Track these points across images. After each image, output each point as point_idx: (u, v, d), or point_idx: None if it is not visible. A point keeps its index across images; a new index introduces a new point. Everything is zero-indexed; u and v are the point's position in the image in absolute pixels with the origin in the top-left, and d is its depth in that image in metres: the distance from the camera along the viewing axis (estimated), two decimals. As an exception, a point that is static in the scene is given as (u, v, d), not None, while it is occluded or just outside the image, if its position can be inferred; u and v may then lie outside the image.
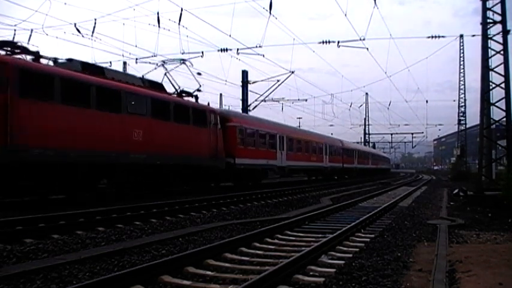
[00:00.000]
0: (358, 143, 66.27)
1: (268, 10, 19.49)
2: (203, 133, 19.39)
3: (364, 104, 67.17)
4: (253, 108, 33.81)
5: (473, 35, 21.42)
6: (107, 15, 34.23)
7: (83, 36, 21.09)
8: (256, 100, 33.87)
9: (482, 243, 8.05)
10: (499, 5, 16.26)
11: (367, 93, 68.26)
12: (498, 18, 16.31)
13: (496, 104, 16.56)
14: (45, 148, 12.12)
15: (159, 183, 17.31)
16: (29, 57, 13.10)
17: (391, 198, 18.29)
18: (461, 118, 45.38)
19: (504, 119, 16.35)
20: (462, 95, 44.08)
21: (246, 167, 23.03)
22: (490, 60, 16.46)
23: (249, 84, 33.88)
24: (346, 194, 21.10)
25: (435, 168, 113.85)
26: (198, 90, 21.30)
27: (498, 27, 16.37)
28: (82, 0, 31.07)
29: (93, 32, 20.64)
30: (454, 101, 45.19)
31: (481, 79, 16.49)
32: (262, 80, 32.89)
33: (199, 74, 29.76)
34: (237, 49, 24.87)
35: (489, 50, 16.41)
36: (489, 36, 16.45)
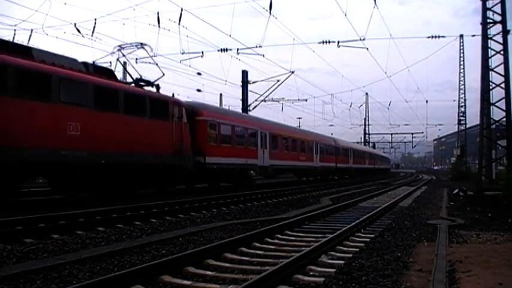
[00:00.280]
0: (358, 143, 66.17)
1: (268, 10, 19.53)
2: (164, 127, 16.79)
3: (364, 104, 67.27)
4: (253, 108, 33.87)
5: (473, 35, 21.49)
6: (107, 15, 34.38)
7: (83, 36, 21.13)
8: (256, 100, 33.92)
9: (482, 243, 8.05)
10: (499, 5, 16.27)
11: (367, 93, 68.38)
12: (498, 18, 16.33)
13: (496, 104, 16.57)
14: None
15: (107, 185, 14.69)
16: None
17: (391, 198, 18.29)
18: (461, 118, 45.44)
19: (504, 119, 16.35)
20: (462, 95, 44.17)
21: (220, 167, 20.63)
22: (490, 60, 16.47)
23: (249, 84, 33.90)
24: (346, 194, 21.10)
25: (435, 168, 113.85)
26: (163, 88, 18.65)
27: (498, 27, 16.38)
28: (82, 0, 31.09)
29: (93, 32, 20.66)
30: (454, 101, 45.29)
31: (481, 79, 16.49)
32: (262, 80, 32.97)
33: (199, 74, 29.89)
34: (237, 49, 24.94)
35: (489, 50, 16.42)
36: (489, 36, 16.45)
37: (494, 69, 16.43)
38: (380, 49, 28.22)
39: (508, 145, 16.18)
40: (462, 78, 43.28)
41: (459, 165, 46.40)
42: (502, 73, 16.17)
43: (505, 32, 16.25)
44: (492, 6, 16.39)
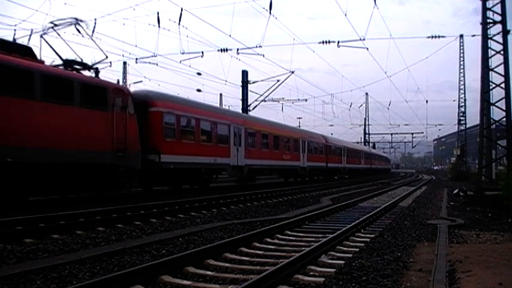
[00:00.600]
0: (358, 142, 66.09)
1: (268, 10, 19.53)
2: (101, 119, 13.91)
3: (364, 104, 67.24)
4: (253, 108, 33.84)
5: (473, 35, 21.55)
6: (107, 15, 34.39)
7: (82, 36, 21.09)
8: (256, 100, 33.90)
9: (482, 243, 8.05)
10: (499, 5, 16.26)
11: (367, 93, 68.38)
12: (498, 18, 16.32)
13: (496, 104, 16.57)
14: None
15: (19, 189, 12.16)
16: None
17: (391, 198, 18.29)
18: (461, 118, 45.40)
19: (504, 119, 16.35)
20: (462, 95, 44.14)
21: (179, 167, 17.81)
22: (490, 60, 16.46)
23: (249, 84, 33.89)
24: (346, 194, 21.10)
25: (435, 168, 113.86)
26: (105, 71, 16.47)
27: (498, 27, 16.37)
28: (82, 0, 31.10)
29: (93, 32, 20.61)
30: (454, 101, 45.27)
31: (481, 79, 16.49)
32: (262, 80, 32.96)
33: (199, 74, 29.87)
34: (237, 49, 24.95)
35: (489, 50, 16.41)
36: (489, 36, 16.45)
37: (494, 69, 16.42)
38: (380, 49, 28.31)
39: (508, 145, 16.18)
40: (462, 78, 43.33)
41: (459, 165, 46.40)
42: (502, 73, 16.17)
43: (505, 32, 16.24)
44: (492, 6, 16.39)
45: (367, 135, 71.38)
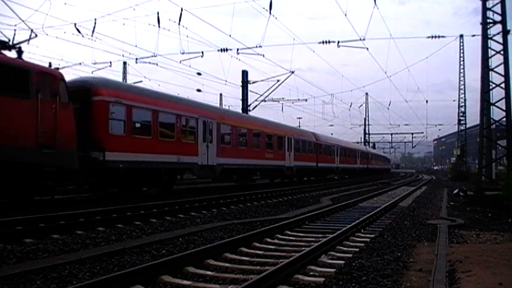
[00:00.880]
0: (358, 142, 66.06)
1: (268, 10, 19.52)
2: (21, 108, 11.54)
3: (364, 104, 67.27)
4: (253, 108, 33.84)
5: (473, 35, 21.53)
6: (107, 15, 34.41)
7: (83, 36, 21.12)
8: (256, 100, 33.90)
9: (482, 243, 8.05)
10: (499, 5, 16.26)
11: (367, 93, 68.44)
12: (498, 18, 16.33)
13: (496, 104, 16.57)
14: None
15: None
16: None
17: (391, 198, 18.29)
18: (461, 118, 45.42)
19: (504, 119, 16.36)
20: (462, 95, 44.17)
21: (130, 166, 15.10)
22: (490, 60, 16.47)
23: (249, 84, 33.89)
24: (346, 194, 21.10)
25: (435, 168, 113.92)
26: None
27: (498, 27, 16.38)
28: (82, 0, 31.10)
29: (93, 32, 20.63)
30: (454, 101, 45.32)
31: (481, 79, 16.49)
32: (262, 80, 32.96)
33: (199, 74, 29.87)
34: (237, 49, 24.93)
35: (489, 50, 16.42)
36: (489, 36, 16.46)
37: (494, 69, 16.43)
38: (380, 49, 28.31)
39: (508, 145, 16.18)
40: (462, 78, 43.36)
41: (459, 165, 46.42)
42: (502, 73, 16.17)
43: (505, 32, 16.25)
44: (492, 6, 16.40)
45: (367, 135, 71.47)
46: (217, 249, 6.73)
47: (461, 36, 39.17)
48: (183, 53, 23.74)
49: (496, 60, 16.38)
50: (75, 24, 20.85)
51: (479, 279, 5.21)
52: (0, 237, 7.47)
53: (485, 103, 16.61)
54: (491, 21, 16.44)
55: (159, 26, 20.25)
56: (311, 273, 5.71)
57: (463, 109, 44.58)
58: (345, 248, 7.51)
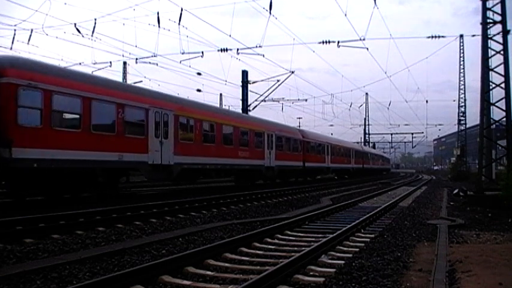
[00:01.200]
0: (358, 143, 66.01)
1: (268, 10, 19.53)
2: None
3: (364, 104, 67.26)
4: (253, 108, 33.84)
5: (473, 35, 21.51)
6: (107, 15, 34.44)
7: (83, 36, 21.15)
8: (256, 100, 33.90)
9: (482, 243, 8.05)
10: (499, 5, 16.27)
11: (367, 93, 68.44)
12: (498, 18, 16.33)
13: (496, 104, 16.57)
14: None
15: None
16: None
17: (391, 198, 18.29)
18: (461, 118, 45.44)
19: (504, 119, 16.36)
20: (462, 95, 44.19)
21: (51, 166, 12.50)
22: (490, 60, 16.47)
23: (249, 84, 33.89)
24: (346, 194, 21.10)
25: (435, 168, 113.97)
26: None
27: (498, 27, 16.38)
28: (82, 0, 31.11)
29: (93, 32, 20.63)
30: (454, 101, 45.32)
31: (481, 79, 16.49)
32: (262, 80, 32.97)
33: (199, 74, 29.87)
34: (237, 49, 24.93)
35: (489, 50, 16.42)
36: (489, 36, 16.46)
37: (494, 69, 16.43)
38: (380, 49, 28.30)
39: (508, 145, 16.18)
40: (462, 78, 43.37)
41: (459, 165, 46.43)
42: (502, 73, 16.17)
43: (505, 32, 16.25)
44: (492, 6, 16.40)
45: (367, 135, 71.49)
46: (217, 249, 6.74)
47: (461, 36, 39.19)
48: (183, 53, 23.76)
49: (496, 60, 16.40)
50: (75, 24, 20.89)
51: (479, 279, 5.21)
52: (0, 237, 7.48)
53: (485, 103, 16.61)
54: (491, 21, 16.45)
55: (159, 26, 20.27)
56: (311, 273, 5.71)
57: (463, 109, 44.64)
58: (345, 248, 7.51)
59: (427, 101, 49.08)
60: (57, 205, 12.39)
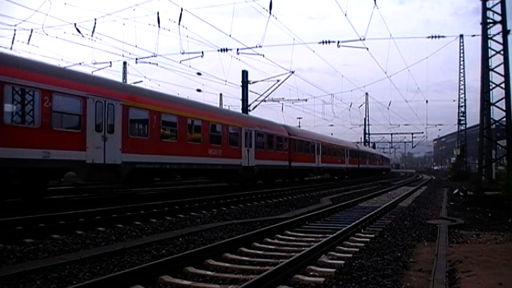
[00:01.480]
0: (358, 142, 65.97)
1: (268, 10, 19.53)
2: None
3: (364, 104, 67.26)
4: (253, 108, 33.84)
5: (473, 35, 21.52)
6: (107, 15, 34.49)
7: (83, 36, 21.16)
8: (256, 100, 33.90)
9: (482, 243, 8.05)
10: (499, 5, 16.27)
11: (367, 93, 68.46)
12: (498, 18, 16.33)
13: (496, 104, 16.57)
14: None
15: None
16: None
17: (391, 198, 18.29)
18: (461, 118, 45.44)
19: (504, 119, 16.36)
20: (462, 95, 44.19)
21: None
22: (490, 60, 16.47)
23: (249, 84, 33.89)
24: (346, 194, 21.10)
25: (435, 168, 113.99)
26: None
27: (498, 27, 16.38)
28: (82, 0, 31.10)
29: (93, 32, 20.63)
30: (454, 101, 45.32)
31: (481, 79, 16.49)
32: (262, 80, 32.96)
33: (199, 74, 29.87)
34: (237, 49, 24.93)
35: (489, 50, 16.42)
36: (489, 36, 16.46)
37: (494, 69, 16.43)
38: (380, 49, 28.31)
39: (508, 145, 16.18)
40: (462, 78, 43.38)
41: (459, 165, 46.44)
42: (502, 73, 16.18)
43: (505, 32, 16.25)
44: (492, 6, 16.40)
45: (367, 135, 71.49)
46: (217, 249, 6.74)
47: (461, 36, 39.22)
48: (183, 53, 23.76)
49: (496, 60, 16.40)
50: (75, 24, 20.90)
51: (479, 279, 5.21)
52: (0, 237, 7.48)
53: (485, 103, 16.61)
54: (491, 21, 16.45)
55: (159, 26, 20.27)
56: (311, 273, 5.71)
57: (463, 109, 44.64)
58: (345, 248, 7.51)
59: (427, 101, 49.12)
60: (58, 205, 12.39)
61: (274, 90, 32.07)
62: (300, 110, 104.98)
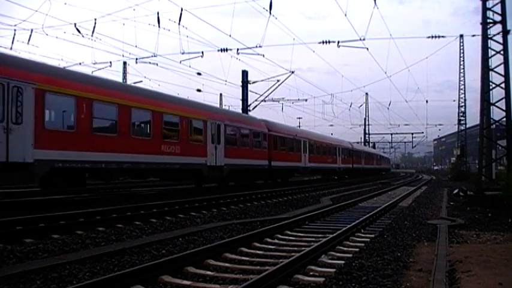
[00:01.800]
0: (358, 142, 65.93)
1: (268, 10, 19.53)
2: None
3: (364, 104, 67.22)
4: (253, 108, 33.83)
5: (473, 35, 21.54)
6: (107, 15, 34.50)
7: (83, 36, 21.16)
8: (256, 100, 33.89)
9: (482, 243, 8.05)
10: (499, 5, 16.26)
11: (367, 93, 68.43)
12: (498, 18, 16.33)
13: (496, 104, 16.57)
14: None
15: None
16: None
17: (391, 198, 18.29)
18: (461, 118, 45.46)
19: (504, 119, 16.36)
20: (462, 95, 44.21)
21: None
22: (490, 60, 16.47)
23: (249, 84, 33.89)
24: (346, 194, 21.09)
25: (435, 168, 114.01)
26: None
27: (498, 27, 16.38)
28: (82, 0, 31.10)
29: (93, 32, 20.62)
30: (454, 101, 45.36)
31: (481, 79, 16.49)
32: (262, 80, 32.95)
33: (199, 74, 29.86)
34: (237, 49, 24.93)
35: (489, 50, 16.42)
36: (489, 36, 16.46)
37: (494, 69, 16.43)
38: (380, 49, 28.28)
39: (508, 145, 16.18)
40: (462, 78, 43.40)
41: (459, 165, 46.44)
42: (502, 73, 16.17)
43: (505, 32, 16.25)
44: (492, 6, 16.40)
45: (367, 135, 71.48)
46: (217, 249, 6.73)
47: (461, 36, 39.23)
48: (183, 53, 23.76)
49: (496, 60, 16.40)
50: (75, 24, 20.90)
51: (479, 279, 5.21)
52: (0, 237, 7.48)
53: (485, 103, 16.60)
54: (491, 21, 16.44)
55: (159, 26, 20.26)
56: (311, 273, 5.71)
57: (463, 109, 44.67)
58: (345, 248, 7.51)
59: (427, 101, 49.12)
60: (58, 205, 12.39)
61: (274, 90, 32.07)
62: (300, 110, 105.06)
